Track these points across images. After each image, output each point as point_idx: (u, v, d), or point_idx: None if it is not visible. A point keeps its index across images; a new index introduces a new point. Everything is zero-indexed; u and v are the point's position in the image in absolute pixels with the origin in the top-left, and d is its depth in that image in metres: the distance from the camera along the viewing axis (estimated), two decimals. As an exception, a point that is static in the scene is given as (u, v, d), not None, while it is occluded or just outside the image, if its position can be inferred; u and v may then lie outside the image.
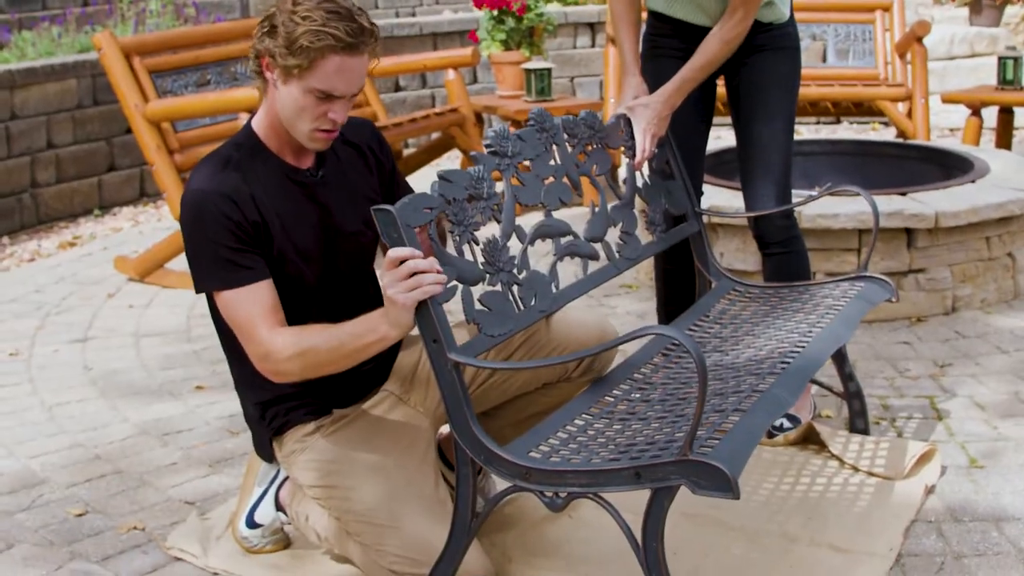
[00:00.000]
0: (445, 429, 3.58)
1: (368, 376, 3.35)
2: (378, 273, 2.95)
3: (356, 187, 3.29)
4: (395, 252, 2.85)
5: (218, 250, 3.02)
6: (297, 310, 3.13)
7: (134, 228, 7.99)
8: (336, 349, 2.99)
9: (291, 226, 3.12)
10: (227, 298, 3.05)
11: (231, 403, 4.73)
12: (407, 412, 3.35)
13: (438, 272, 2.86)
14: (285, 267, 3.12)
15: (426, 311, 2.88)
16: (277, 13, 3.02)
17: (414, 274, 2.84)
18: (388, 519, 3.10)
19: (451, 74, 7.87)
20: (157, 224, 8.02)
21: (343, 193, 3.25)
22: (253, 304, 3.04)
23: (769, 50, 4.19)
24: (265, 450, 3.40)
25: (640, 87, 4.04)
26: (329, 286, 3.23)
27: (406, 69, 8.48)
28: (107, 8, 10.44)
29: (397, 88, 10.23)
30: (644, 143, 3.99)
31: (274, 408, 3.28)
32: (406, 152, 8.54)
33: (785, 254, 4.24)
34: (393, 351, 3.40)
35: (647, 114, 4.00)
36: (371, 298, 3.29)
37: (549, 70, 8.16)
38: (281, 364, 3.03)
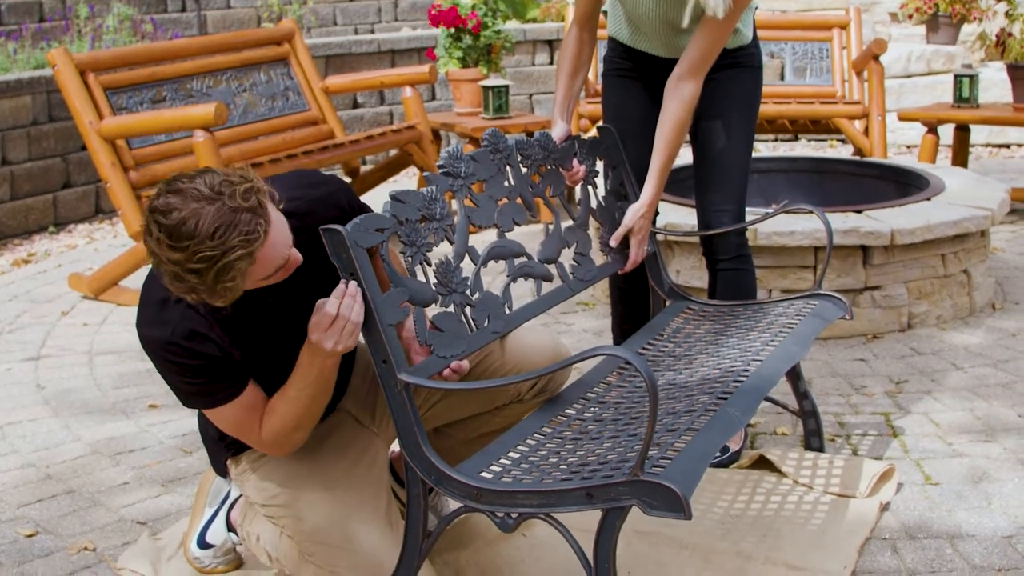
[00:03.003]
0: (397, 447, 3.57)
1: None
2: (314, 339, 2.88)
3: (318, 288, 3.03)
4: (329, 310, 2.83)
5: (187, 387, 2.99)
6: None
7: (89, 245, 7.93)
8: (313, 400, 3.01)
9: (249, 350, 3.03)
10: (212, 414, 3.07)
11: (184, 422, 4.70)
12: (361, 431, 3.34)
13: (353, 296, 2.84)
14: (259, 367, 3.08)
15: (376, 332, 2.87)
16: (165, 263, 2.71)
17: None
18: (340, 539, 3.08)
19: (408, 91, 7.86)
20: (112, 241, 7.96)
21: (302, 302, 3.04)
22: (238, 418, 3.04)
23: (730, 68, 4.19)
24: (220, 468, 3.38)
25: (564, 135, 3.99)
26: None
27: (364, 86, 8.44)
28: (63, 24, 10.38)
29: (355, 105, 10.21)
30: (636, 254, 4.07)
31: None
32: (363, 169, 8.52)
33: (735, 271, 4.25)
34: (348, 367, 3.39)
35: (645, 225, 4.06)
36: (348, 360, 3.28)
37: (507, 87, 8.15)
38: (286, 446, 3.10)
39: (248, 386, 3.04)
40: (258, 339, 3.05)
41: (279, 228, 2.79)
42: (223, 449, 3.30)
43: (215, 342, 2.95)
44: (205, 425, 3.33)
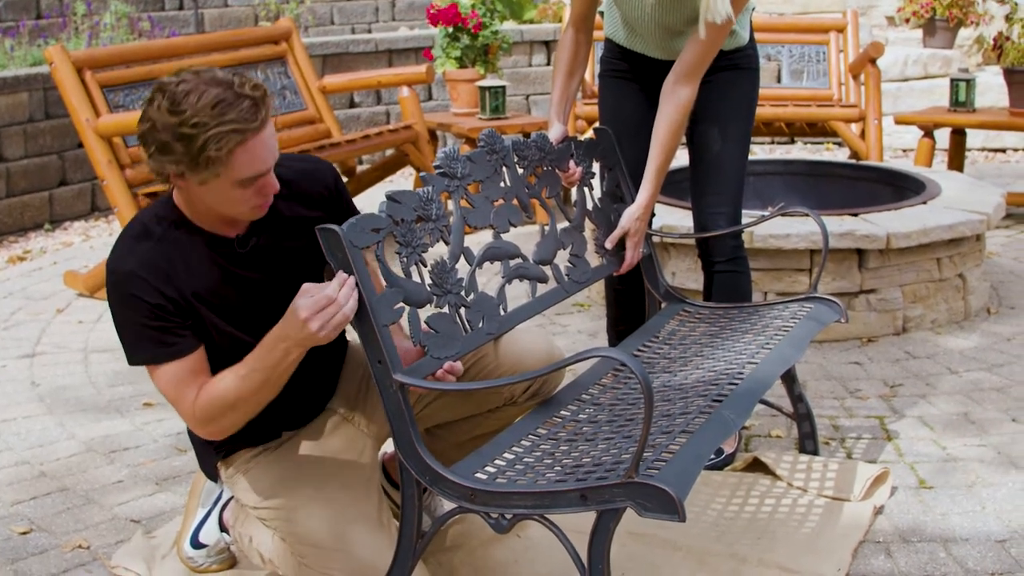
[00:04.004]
0: (389, 447, 3.56)
1: (315, 396, 3.33)
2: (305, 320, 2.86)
3: (294, 251, 3.13)
4: (329, 292, 2.82)
5: (139, 329, 2.96)
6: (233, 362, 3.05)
7: (85, 243, 7.93)
8: (262, 386, 2.95)
9: (216, 300, 3.03)
10: (154, 372, 3.01)
11: (178, 421, 4.69)
12: (351, 431, 3.33)
13: (352, 288, 2.83)
14: (215, 337, 3.05)
15: (371, 332, 2.87)
16: (157, 129, 2.81)
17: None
18: (332, 541, 3.07)
19: (405, 91, 7.85)
20: (108, 239, 7.96)
21: (277, 259, 3.11)
22: (179, 377, 2.99)
23: (728, 71, 4.19)
24: (211, 472, 3.37)
25: (561, 137, 3.99)
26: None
27: (361, 86, 8.44)
28: (61, 21, 10.38)
29: (351, 104, 10.20)
30: (632, 256, 4.08)
31: None
32: (360, 169, 8.52)
33: (730, 272, 4.25)
34: (337, 367, 3.39)
35: (641, 228, 4.07)
36: (313, 353, 3.12)
37: (503, 88, 8.15)
38: (213, 425, 3.02)
39: (199, 350, 3.01)
40: (223, 302, 3.03)
41: (271, 135, 2.87)
42: (212, 453, 3.29)
43: (180, 288, 2.96)
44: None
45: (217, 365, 3.03)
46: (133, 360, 3.02)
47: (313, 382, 3.27)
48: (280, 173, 3.02)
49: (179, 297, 2.96)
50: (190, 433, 3.37)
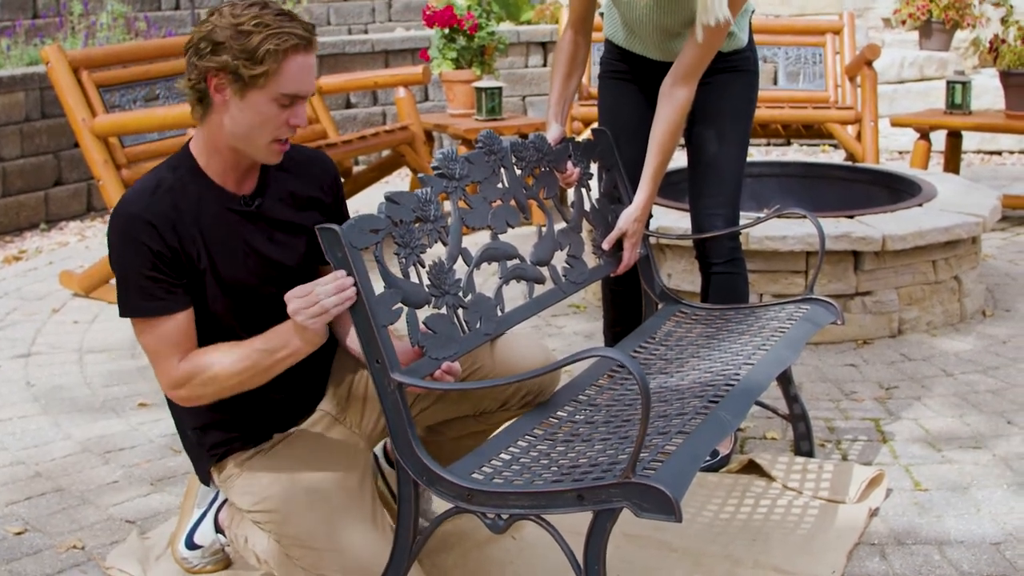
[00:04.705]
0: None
1: (306, 397, 3.34)
2: (286, 297, 2.90)
3: (296, 220, 3.19)
4: (308, 286, 2.86)
5: (136, 277, 2.96)
6: (222, 338, 3.07)
7: (80, 243, 7.92)
8: (248, 368, 2.96)
9: (219, 256, 3.05)
10: (140, 326, 3.01)
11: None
12: (343, 432, 3.34)
13: (341, 289, 2.84)
14: (208, 298, 3.06)
15: (369, 332, 2.87)
16: (216, 30, 2.91)
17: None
18: (327, 542, 3.07)
19: (402, 92, 7.86)
20: (104, 239, 7.92)
21: (281, 224, 3.16)
22: (165, 335, 2.99)
23: (726, 72, 4.20)
24: (204, 475, 3.36)
25: (559, 138, 4.00)
26: (258, 317, 3.10)
27: (357, 86, 8.45)
28: (57, 21, 10.38)
29: (348, 105, 10.20)
30: (629, 257, 4.08)
31: (213, 434, 3.22)
32: (356, 169, 8.51)
33: (728, 274, 4.26)
34: (327, 368, 3.39)
35: (638, 229, 4.08)
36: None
37: (500, 89, 8.15)
38: (193, 390, 3.01)
39: (187, 311, 3.02)
40: (224, 257, 3.04)
41: (313, 65, 2.98)
42: (205, 455, 3.27)
43: (183, 240, 2.99)
44: (185, 430, 3.31)
45: (203, 335, 3.05)
46: (124, 311, 3.01)
47: (302, 384, 3.27)
48: (291, 154, 3.13)
49: (180, 248, 2.98)
50: (183, 438, 3.37)
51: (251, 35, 2.88)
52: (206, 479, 3.36)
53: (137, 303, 2.98)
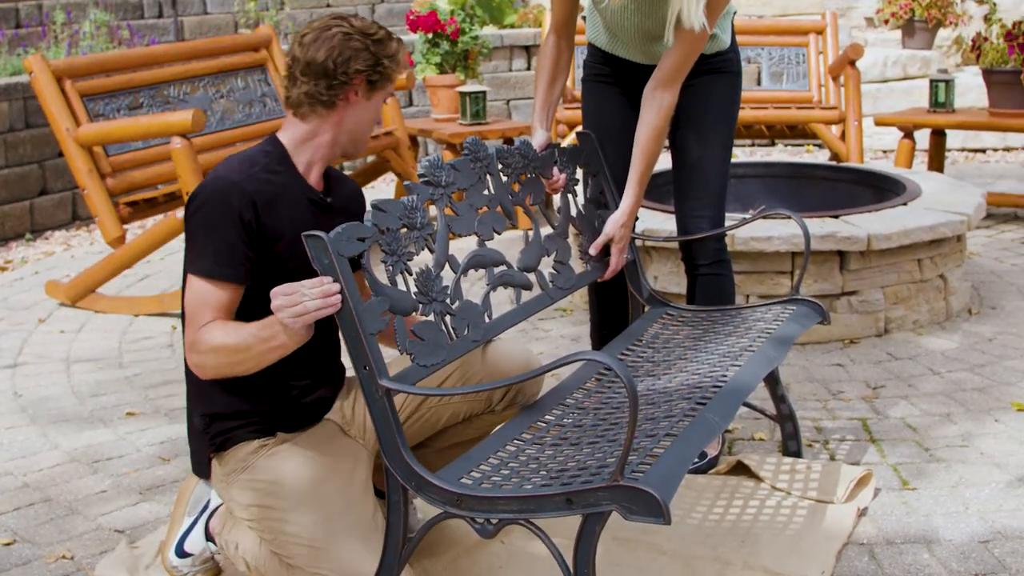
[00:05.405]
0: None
1: (314, 404, 3.37)
2: (272, 293, 2.95)
3: (354, 217, 3.26)
4: (295, 286, 2.90)
5: (218, 242, 3.08)
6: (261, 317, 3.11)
7: (66, 252, 7.91)
8: (242, 350, 3.02)
9: (296, 242, 3.10)
10: (197, 286, 3.11)
11: (162, 430, 4.70)
12: (348, 442, 3.37)
13: (326, 295, 2.87)
14: (269, 279, 3.11)
15: (356, 339, 2.88)
16: (349, 41, 3.18)
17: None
18: (324, 542, 3.11)
19: (386, 97, 7.85)
20: (89, 248, 7.95)
21: (345, 219, 3.19)
22: (213, 301, 3.09)
23: (709, 74, 4.20)
24: (202, 467, 3.38)
25: (545, 143, 4.01)
26: None
27: (342, 92, 8.44)
28: (40, 30, 10.35)
29: (333, 110, 10.20)
30: (616, 262, 4.09)
31: (219, 423, 3.27)
32: (342, 175, 8.50)
33: (714, 275, 4.27)
34: (339, 381, 3.45)
35: (625, 235, 4.09)
36: (311, 360, 3.31)
37: (484, 93, 8.16)
38: (199, 356, 3.09)
39: (241, 288, 3.13)
40: (299, 251, 3.08)
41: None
42: (207, 443, 3.31)
43: (268, 215, 3.13)
44: (193, 416, 3.35)
45: (247, 312, 3.14)
46: (193, 269, 3.11)
47: (316, 379, 3.35)
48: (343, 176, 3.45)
49: (267, 227, 3.12)
50: (188, 426, 3.39)
51: (385, 42, 3.22)
52: (203, 470, 3.38)
53: (210, 265, 3.09)
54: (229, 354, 3.04)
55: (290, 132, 3.28)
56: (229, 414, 3.26)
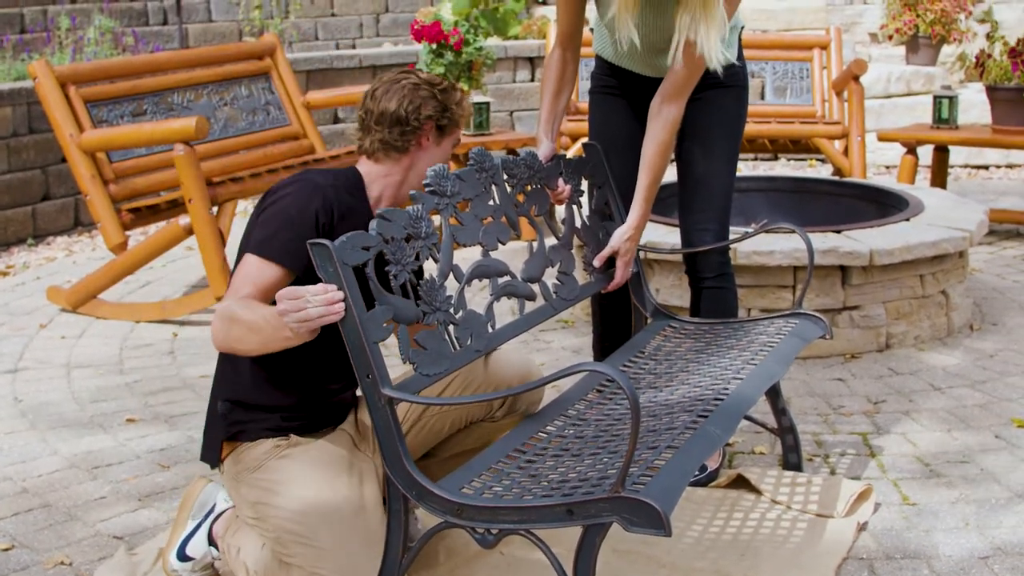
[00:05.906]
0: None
1: (330, 411, 3.45)
2: (277, 296, 2.97)
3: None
4: (302, 291, 2.91)
5: (292, 232, 3.21)
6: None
7: (68, 258, 7.91)
8: (254, 329, 3.05)
9: None
10: (255, 264, 3.23)
11: (162, 436, 4.69)
12: (359, 455, 3.44)
13: (330, 303, 2.88)
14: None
15: (360, 347, 2.88)
16: (417, 92, 3.42)
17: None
18: (329, 543, 3.14)
19: (390, 107, 7.85)
20: (91, 254, 7.95)
21: None
22: (260, 281, 3.21)
23: (716, 88, 4.20)
24: (211, 452, 3.44)
25: (549, 154, 4.02)
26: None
27: (345, 101, 8.42)
28: (45, 36, 10.37)
29: (335, 120, 10.20)
30: (621, 276, 4.11)
31: (240, 411, 3.35)
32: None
33: (717, 289, 4.26)
34: (354, 395, 3.56)
35: (631, 248, 4.09)
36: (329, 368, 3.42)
37: (488, 104, 8.16)
38: (219, 322, 3.15)
39: (286, 279, 3.22)
40: None
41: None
42: (222, 428, 3.38)
43: (335, 226, 3.27)
44: (215, 400, 3.42)
45: None
46: (261, 249, 3.24)
47: (331, 398, 3.43)
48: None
49: (327, 231, 3.25)
50: (209, 413, 3.46)
51: (450, 91, 3.48)
52: (212, 456, 3.44)
53: (278, 250, 3.22)
54: (243, 327, 3.08)
55: (365, 168, 3.47)
56: (252, 405, 3.35)
